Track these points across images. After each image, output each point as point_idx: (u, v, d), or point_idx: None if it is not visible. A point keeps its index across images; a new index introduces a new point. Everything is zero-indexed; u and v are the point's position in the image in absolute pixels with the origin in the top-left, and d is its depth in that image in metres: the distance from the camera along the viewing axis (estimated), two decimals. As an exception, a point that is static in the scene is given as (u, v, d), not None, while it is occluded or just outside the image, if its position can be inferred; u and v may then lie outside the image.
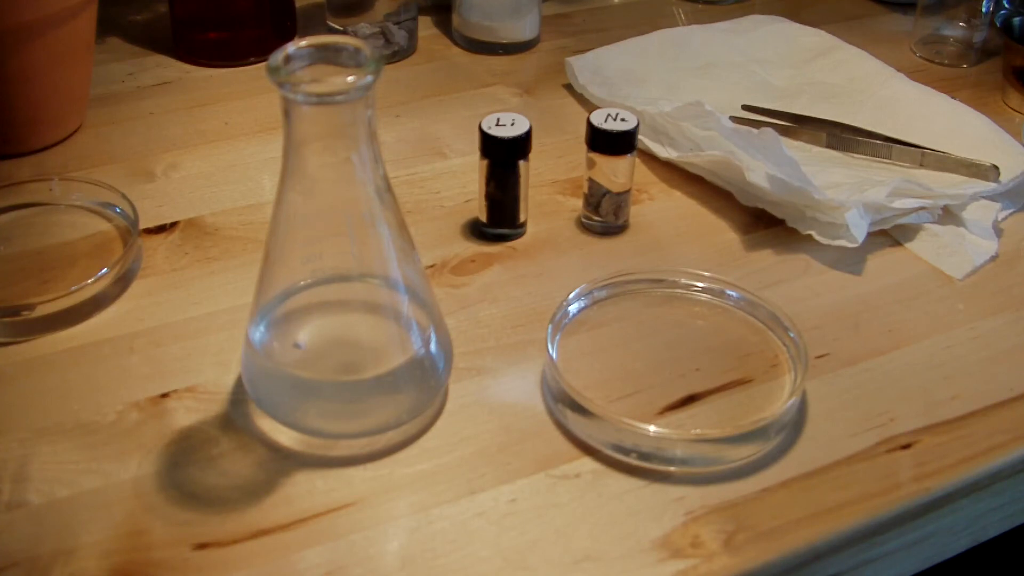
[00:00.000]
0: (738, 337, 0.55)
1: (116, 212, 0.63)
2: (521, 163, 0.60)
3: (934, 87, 0.76)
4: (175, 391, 0.52)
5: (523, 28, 0.84)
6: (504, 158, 0.60)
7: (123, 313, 0.57)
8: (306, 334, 0.50)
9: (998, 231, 0.64)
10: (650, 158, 0.70)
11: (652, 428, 0.47)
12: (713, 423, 0.50)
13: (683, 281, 0.58)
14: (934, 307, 0.59)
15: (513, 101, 0.77)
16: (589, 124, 0.61)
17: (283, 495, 0.46)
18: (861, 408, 0.52)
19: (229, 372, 0.53)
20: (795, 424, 0.50)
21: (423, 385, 0.49)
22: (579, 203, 0.65)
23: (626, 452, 0.48)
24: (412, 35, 0.83)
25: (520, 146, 0.59)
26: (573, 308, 0.56)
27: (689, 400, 0.52)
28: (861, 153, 0.70)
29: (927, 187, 0.63)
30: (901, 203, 0.62)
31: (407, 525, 0.45)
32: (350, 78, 0.41)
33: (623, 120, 0.60)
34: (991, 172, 0.66)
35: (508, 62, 0.83)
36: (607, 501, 0.47)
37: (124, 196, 0.62)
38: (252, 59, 0.81)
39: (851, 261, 0.61)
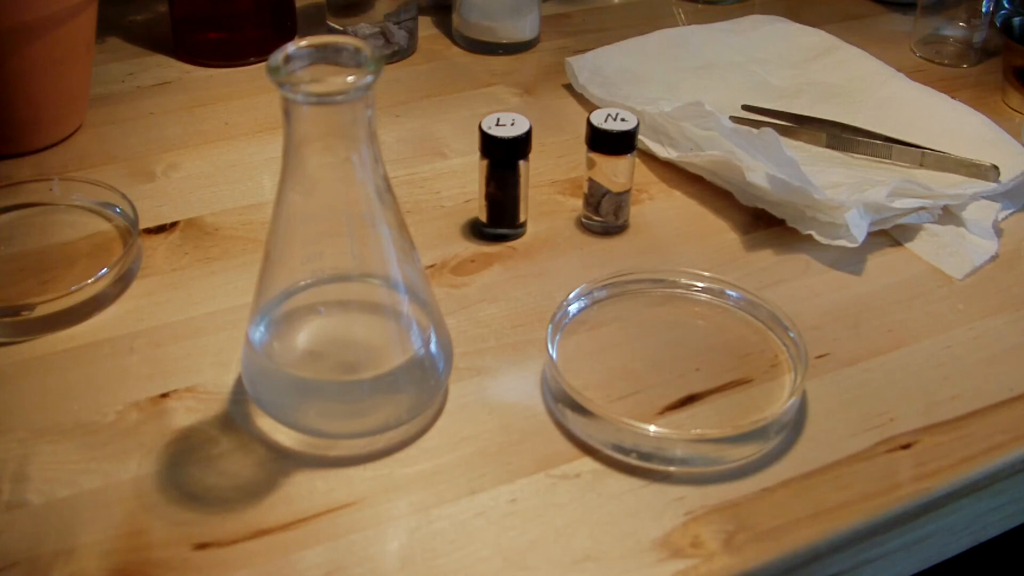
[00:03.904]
0: (738, 337, 0.55)
1: (116, 212, 0.63)
2: (521, 163, 0.60)
3: (934, 87, 0.76)
4: (175, 391, 0.52)
5: (523, 28, 0.84)
6: (504, 158, 0.60)
7: (123, 313, 0.57)
8: (309, 330, 0.50)
9: (998, 231, 0.64)
10: (650, 158, 0.70)
11: (652, 428, 0.47)
12: (713, 423, 0.50)
13: (683, 281, 0.58)
14: (934, 307, 0.59)
15: (513, 101, 0.77)
16: (589, 124, 0.61)
17: (283, 495, 0.46)
18: (861, 408, 0.52)
19: (229, 372, 0.53)
20: (795, 424, 0.50)
21: (423, 385, 0.49)
22: (579, 203, 0.65)
23: (626, 452, 0.48)
24: (412, 35, 0.83)
25: (520, 146, 0.59)
26: (573, 308, 0.56)
27: (689, 400, 0.52)
28: (861, 153, 0.70)
29: (927, 187, 0.63)
30: (901, 203, 0.62)
31: (407, 525, 0.45)
32: (350, 78, 0.41)
33: (623, 120, 0.60)
34: (991, 172, 0.66)
35: (508, 62, 0.83)
36: (607, 501, 0.47)
37: (124, 196, 0.62)
38: (252, 59, 0.81)
39: (851, 261, 0.61)
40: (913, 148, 0.69)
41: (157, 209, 0.64)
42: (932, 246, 0.63)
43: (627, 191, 0.63)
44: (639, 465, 0.48)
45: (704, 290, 0.58)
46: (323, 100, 0.41)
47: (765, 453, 0.49)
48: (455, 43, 0.85)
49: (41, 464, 0.48)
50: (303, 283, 0.48)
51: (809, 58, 0.81)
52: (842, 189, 0.62)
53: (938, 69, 0.83)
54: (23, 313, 0.54)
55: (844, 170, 0.67)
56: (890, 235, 0.64)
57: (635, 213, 0.65)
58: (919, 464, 0.49)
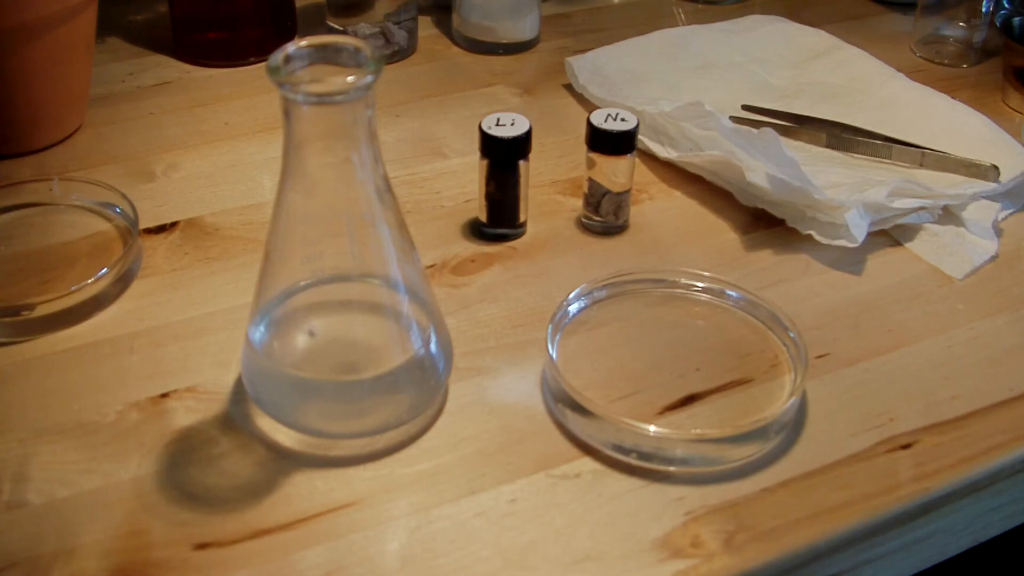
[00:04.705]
0: (738, 337, 0.55)
1: (116, 212, 0.63)
2: (521, 163, 0.60)
3: (934, 87, 0.76)
4: (175, 391, 0.52)
5: (523, 28, 0.84)
6: (504, 158, 0.60)
7: (123, 313, 0.57)
8: (315, 326, 0.50)
9: (998, 231, 0.64)
10: (650, 158, 0.70)
11: (652, 428, 0.47)
12: (713, 423, 0.50)
13: (683, 281, 0.58)
14: (934, 307, 0.59)
15: (513, 101, 0.77)
16: (589, 124, 0.61)
17: (283, 495, 0.46)
18: (861, 408, 0.52)
19: (229, 372, 0.53)
20: (795, 424, 0.50)
21: (423, 385, 0.49)
22: (579, 203, 0.65)
23: (626, 452, 0.48)
24: (412, 35, 0.83)
25: (520, 146, 0.59)
26: (573, 308, 0.56)
27: (689, 400, 0.52)
28: (861, 153, 0.70)
29: (927, 187, 0.63)
30: (901, 203, 0.62)
31: (407, 525, 0.45)
32: (350, 78, 0.41)
33: (623, 120, 0.60)
34: (991, 172, 0.66)
35: (508, 62, 0.83)
36: (607, 501, 0.47)
37: (124, 196, 0.62)
38: (252, 59, 0.81)
39: (851, 261, 0.61)
40: (913, 148, 0.69)
41: (157, 209, 0.64)
42: (932, 246, 0.63)
43: (627, 191, 0.63)
44: (639, 465, 0.48)
45: (704, 290, 0.58)
46: (323, 100, 0.41)
47: (765, 453, 0.49)
48: (455, 43, 0.85)
49: (41, 464, 0.48)
50: (303, 283, 0.48)
51: (809, 58, 0.81)
52: (842, 189, 0.62)
53: (938, 69, 0.83)
54: (23, 313, 0.54)
55: (844, 170, 0.67)
56: (890, 235, 0.64)
57: (635, 213, 0.65)
58: (919, 464, 0.49)
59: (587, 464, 0.48)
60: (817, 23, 0.85)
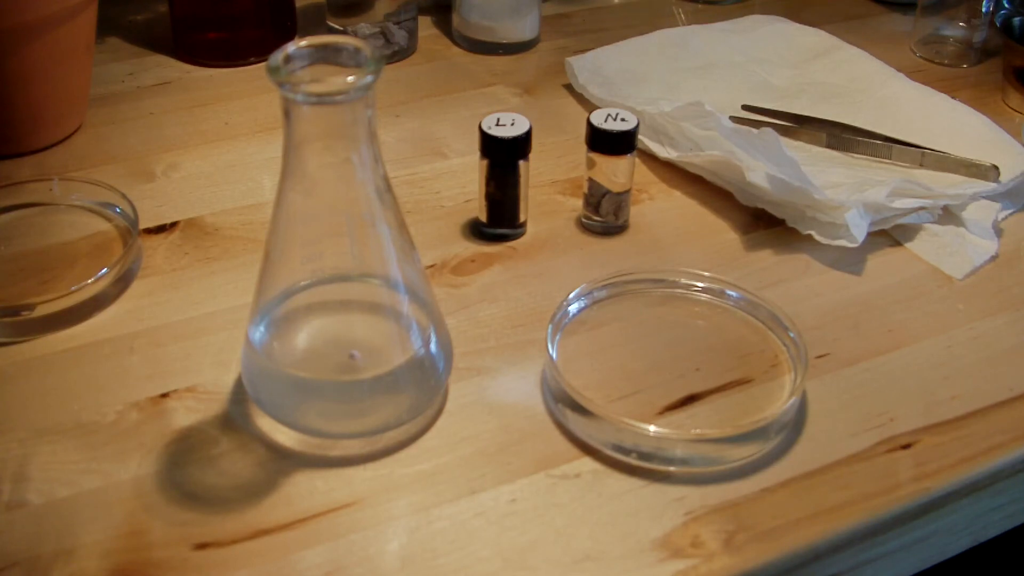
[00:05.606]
0: (738, 337, 0.55)
1: (116, 212, 0.63)
2: (521, 163, 0.60)
3: (934, 87, 0.76)
4: (175, 391, 0.52)
5: (523, 28, 0.84)
6: (504, 158, 0.60)
7: (123, 313, 0.57)
8: (309, 330, 0.50)
9: (998, 231, 0.64)
10: (650, 158, 0.70)
11: (652, 428, 0.47)
12: (713, 423, 0.50)
13: (683, 281, 0.58)
14: (934, 307, 0.59)
15: (513, 101, 0.77)
16: (589, 124, 0.61)
17: (283, 495, 0.46)
18: (861, 408, 0.52)
19: (229, 372, 0.53)
20: (795, 424, 0.50)
21: (423, 385, 0.49)
22: (579, 203, 0.65)
23: (626, 452, 0.48)
24: (412, 35, 0.83)
25: (520, 146, 0.59)
26: (573, 308, 0.56)
27: (689, 400, 0.52)
28: (861, 153, 0.70)
29: (927, 187, 0.63)
30: (901, 203, 0.62)
31: (407, 525, 0.45)
32: (350, 78, 0.41)
33: (623, 120, 0.60)
34: (991, 172, 0.66)
35: (508, 62, 0.83)
36: (607, 501, 0.47)
37: (124, 196, 0.62)
38: (252, 59, 0.81)
39: (851, 261, 0.61)
40: (913, 148, 0.69)
41: (157, 209, 0.64)
42: (932, 246, 0.63)
43: (627, 191, 0.63)
44: (639, 465, 0.48)
45: (704, 290, 0.58)
46: (323, 100, 0.41)
47: (765, 453, 0.49)
48: (455, 43, 0.85)
49: (41, 464, 0.48)
50: (303, 283, 0.48)
51: (809, 58, 0.81)
52: (842, 189, 0.62)
53: (938, 69, 0.83)
54: (23, 313, 0.54)
55: (844, 170, 0.67)
56: (890, 235, 0.64)
57: (635, 213, 0.65)
58: (919, 464, 0.49)
59: (587, 464, 0.48)
60: (817, 23, 0.85)
